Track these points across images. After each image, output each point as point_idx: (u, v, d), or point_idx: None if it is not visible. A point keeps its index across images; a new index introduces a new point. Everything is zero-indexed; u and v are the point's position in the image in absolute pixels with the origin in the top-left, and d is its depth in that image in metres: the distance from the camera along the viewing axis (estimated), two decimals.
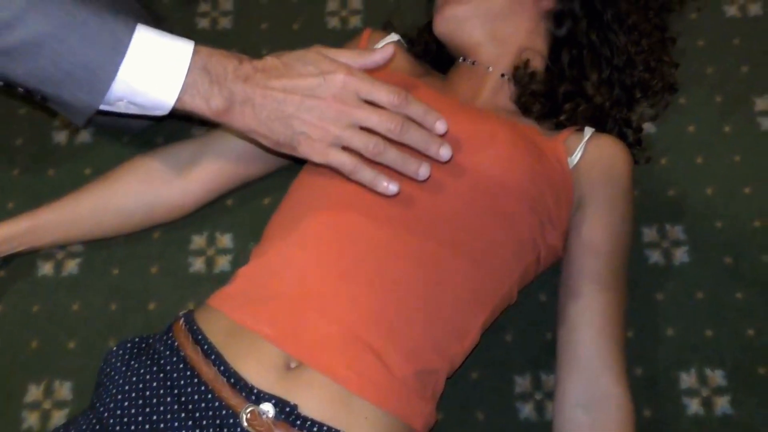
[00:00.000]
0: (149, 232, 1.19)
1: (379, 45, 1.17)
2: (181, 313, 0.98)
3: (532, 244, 1.02)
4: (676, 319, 1.14)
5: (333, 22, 1.38)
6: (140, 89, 0.85)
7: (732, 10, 1.36)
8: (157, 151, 1.17)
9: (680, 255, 1.18)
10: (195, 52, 0.85)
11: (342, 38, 1.35)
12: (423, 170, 0.91)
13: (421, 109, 0.88)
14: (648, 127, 1.25)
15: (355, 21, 1.38)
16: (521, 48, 1.14)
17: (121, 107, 0.88)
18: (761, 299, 1.15)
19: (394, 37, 1.19)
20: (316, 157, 0.88)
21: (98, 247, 1.18)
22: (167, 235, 1.20)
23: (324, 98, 0.85)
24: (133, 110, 0.88)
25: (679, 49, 1.28)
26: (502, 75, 1.13)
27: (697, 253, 1.18)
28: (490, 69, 1.13)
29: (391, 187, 0.90)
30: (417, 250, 0.94)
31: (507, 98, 1.12)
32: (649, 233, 1.20)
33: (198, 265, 1.18)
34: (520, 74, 1.12)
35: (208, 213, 1.20)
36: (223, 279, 1.08)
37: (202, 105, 0.86)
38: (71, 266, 1.18)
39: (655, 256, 1.18)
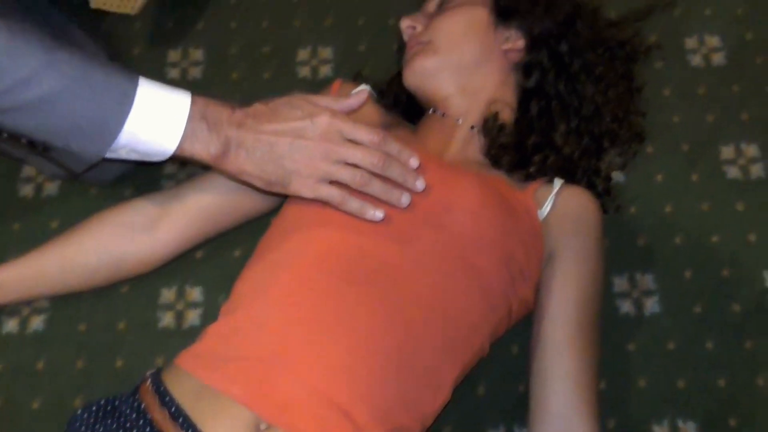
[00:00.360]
0: (117, 286, 1.17)
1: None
2: (148, 373, 0.97)
3: (504, 297, 1.02)
4: (648, 370, 1.14)
5: (303, 72, 1.38)
6: (144, 138, 0.90)
7: (696, 60, 1.38)
8: (125, 204, 1.16)
9: (651, 305, 1.19)
10: (193, 102, 0.92)
11: (312, 87, 1.35)
12: (405, 198, 0.98)
13: (396, 147, 0.97)
14: (617, 176, 1.26)
15: (325, 70, 1.38)
16: (490, 100, 1.14)
17: (122, 154, 0.93)
18: (731, 349, 1.15)
19: (364, 88, 1.19)
20: (307, 192, 0.95)
21: (65, 303, 1.16)
22: (136, 289, 1.18)
23: (312, 138, 0.93)
24: (133, 157, 0.94)
25: (646, 99, 1.29)
26: (472, 127, 1.13)
27: (668, 303, 1.19)
28: (460, 121, 1.14)
29: (377, 213, 0.97)
30: (388, 308, 0.93)
31: (476, 150, 1.13)
32: (620, 283, 1.20)
33: (167, 319, 1.17)
34: (489, 126, 1.12)
35: (178, 266, 1.19)
36: (193, 334, 1.07)
37: (201, 151, 0.92)
38: (37, 322, 1.16)
39: (626, 306, 1.19)
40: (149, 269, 1.17)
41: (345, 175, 0.95)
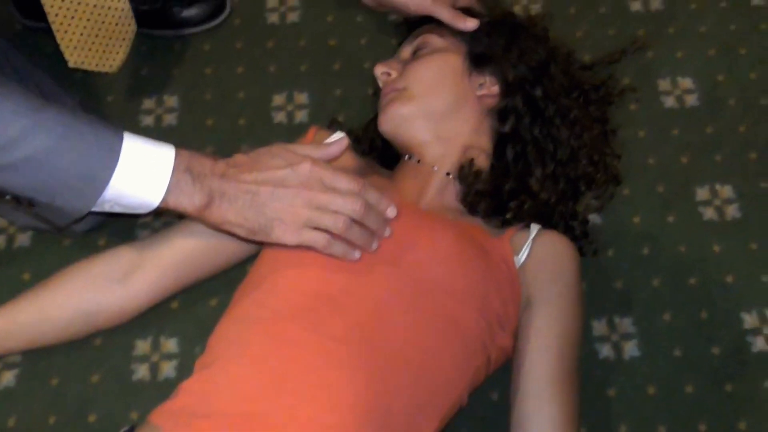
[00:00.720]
0: (91, 338, 1.15)
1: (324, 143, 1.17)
2: (122, 431, 0.94)
3: (481, 347, 1.01)
4: (629, 416, 1.13)
5: (279, 117, 1.38)
6: (129, 192, 0.91)
7: (670, 102, 1.39)
8: (98, 256, 1.14)
9: (630, 348, 1.18)
10: (177, 155, 0.93)
11: (288, 133, 1.35)
12: (375, 244, 1.00)
13: (375, 196, 0.99)
14: (594, 219, 1.26)
15: (301, 116, 1.38)
16: (466, 146, 1.14)
17: (106, 208, 0.94)
18: (712, 393, 1.14)
19: (339, 134, 1.19)
20: (290, 239, 0.96)
21: (37, 357, 1.14)
22: (109, 340, 1.16)
23: (293, 186, 0.94)
24: (117, 210, 0.94)
25: (621, 141, 1.30)
26: (447, 174, 1.13)
27: (647, 346, 1.18)
28: (435, 168, 1.13)
29: (356, 254, 0.99)
30: (363, 364, 0.92)
31: (452, 197, 1.13)
32: (599, 326, 1.20)
33: (142, 372, 1.15)
34: (465, 174, 1.12)
35: (153, 316, 1.17)
36: (169, 386, 1.05)
37: (185, 203, 0.93)
38: (8, 378, 1.13)
39: (605, 350, 1.18)
40: (124, 321, 1.15)
41: (327, 221, 0.96)
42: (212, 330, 1.02)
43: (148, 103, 1.38)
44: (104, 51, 1.26)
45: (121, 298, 1.12)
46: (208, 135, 1.36)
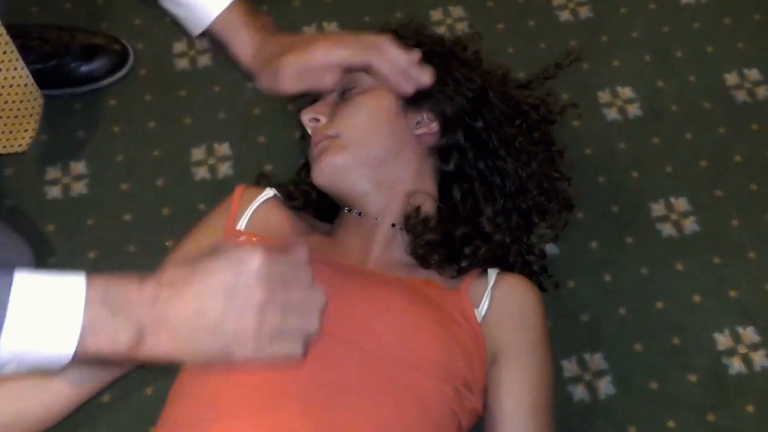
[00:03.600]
0: None
1: (253, 205, 1.06)
2: None
3: (450, 416, 0.92)
4: None
5: (201, 173, 1.26)
6: (30, 348, 0.69)
7: (612, 114, 1.33)
8: None
9: (605, 386, 1.11)
10: (89, 285, 0.71)
11: (213, 189, 1.24)
12: None
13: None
14: (550, 249, 1.19)
15: (224, 169, 1.27)
16: (409, 192, 1.05)
17: (9, 371, 0.71)
18: (694, 425, 1.09)
19: (269, 192, 1.08)
20: (260, 355, 0.75)
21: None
22: None
23: (249, 289, 0.73)
24: (24, 371, 0.71)
25: (569, 161, 1.22)
26: (393, 225, 1.04)
27: (622, 382, 1.11)
28: (378, 219, 1.04)
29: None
30: None
31: (401, 251, 1.03)
32: (570, 366, 1.13)
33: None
34: (412, 223, 1.03)
35: (83, 415, 1.04)
36: None
37: (107, 344, 0.70)
38: None
39: (579, 392, 1.11)
40: (51, 424, 1.02)
41: (300, 323, 0.76)
42: (152, 421, 0.92)
43: (52, 173, 1.25)
44: (11, 131, 1.12)
45: (44, 401, 0.99)
46: (124, 201, 1.24)
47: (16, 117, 1.12)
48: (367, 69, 1.03)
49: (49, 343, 0.68)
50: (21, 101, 1.12)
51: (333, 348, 0.89)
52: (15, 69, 1.10)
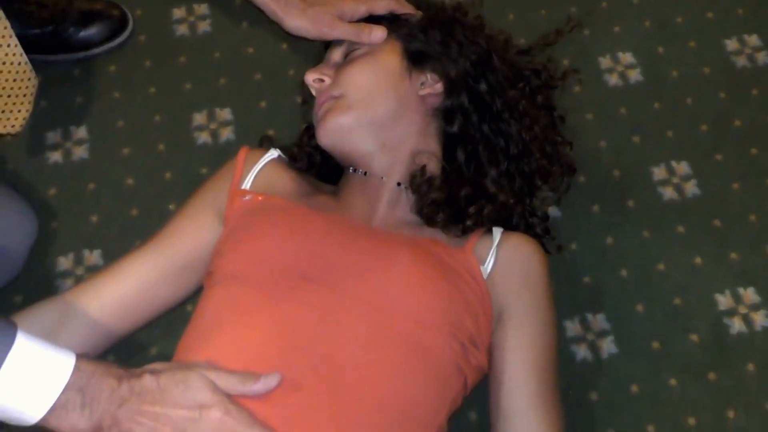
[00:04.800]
0: None
1: (258, 165, 1.06)
2: None
3: (457, 371, 0.93)
4: (615, 420, 1.07)
5: (203, 137, 1.26)
6: (4, 403, 0.76)
7: (613, 79, 1.33)
8: (18, 315, 1.01)
9: (607, 346, 1.12)
10: (75, 370, 0.79)
11: (215, 154, 1.24)
12: None
13: None
14: (553, 213, 1.20)
15: (226, 133, 1.27)
16: (414, 152, 1.05)
17: None
18: (695, 384, 1.10)
19: (273, 153, 1.08)
20: None
21: None
22: None
23: None
24: None
25: (571, 126, 1.23)
26: (398, 184, 1.04)
27: (624, 342, 1.12)
28: (384, 179, 1.04)
29: None
30: (334, 413, 0.83)
31: (407, 209, 1.03)
32: (572, 327, 1.13)
33: None
34: (417, 182, 1.03)
35: None
36: None
37: (65, 427, 0.79)
38: None
39: (582, 352, 1.12)
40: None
41: None
42: None
43: (53, 137, 1.24)
44: (3, 111, 1.11)
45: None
46: (126, 166, 1.23)
47: (9, 97, 1.11)
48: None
49: (21, 407, 0.76)
50: (15, 80, 1.11)
51: (340, 303, 0.90)
52: (8, 46, 1.09)
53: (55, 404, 0.77)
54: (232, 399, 0.81)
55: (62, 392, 0.77)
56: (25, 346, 0.77)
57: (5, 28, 1.06)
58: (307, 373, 0.85)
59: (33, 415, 0.77)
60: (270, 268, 0.93)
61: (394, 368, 0.88)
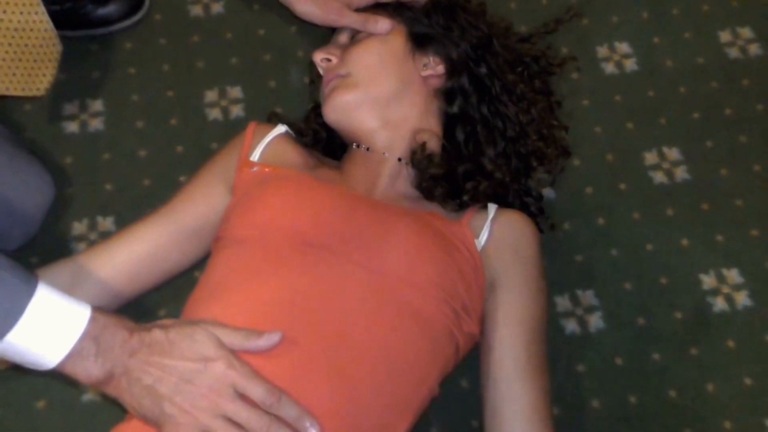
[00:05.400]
0: None
1: (266, 139, 1.11)
2: None
3: (449, 336, 0.99)
4: (600, 390, 1.12)
5: (214, 113, 1.31)
6: (24, 350, 0.82)
7: (610, 68, 1.38)
8: None
9: (595, 321, 1.17)
10: (91, 320, 0.84)
11: (225, 130, 1.29)
12: None
13: (294, 412, 0.86)
14: (547, 193, 1.25)
15: (236, 110, 1.32)
16: (415, 130, 1.10)
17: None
18: (678, 358, 1.15)
19: (281, 128, 1.13)
20: None
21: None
22: None
23: (200, 386, 0.85)
24: (11, 359, 0.84)
25: (567, 111, 1.28)
26: (399, 160, 1.09)
27: (611, 318, 1.17)
28: (386, 155, 1.09)
29: None
30: (329, 369, 0.89)
31: (407, 184, 1.09)
32: (562, 302, 1.18)
33: (92, 393, 1.08)
34: (417, 158, 1.08)
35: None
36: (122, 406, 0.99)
37: (80, 373, 0.84)
38: None
39: (570, 326, 1.17)
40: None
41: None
42: None
43: (70, 109, 1.30)
44: (29, 74, 1.16)
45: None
46: (139, 138, 1.28)
47: (35, 61, 1.17)
48: None
49: (40, 352, 0.82)
50: (41, 46, 1.16)
51: (341, 267, 0.95)
52: (36, 14, 1.14)
53: (71, 351, 0.82)
54: (236, 354, 0.87)
55: (78, 340, 0.82)
56: (45, 295, 0.83)
57: None
58: (307, 330, 0.90)
59: (51, 359, 0.82)
60: (275, 233, 0.98)
61: (389, 328, 0.94)
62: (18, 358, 0.83)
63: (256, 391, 0.85)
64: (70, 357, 0.83)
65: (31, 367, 0.84)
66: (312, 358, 0.89)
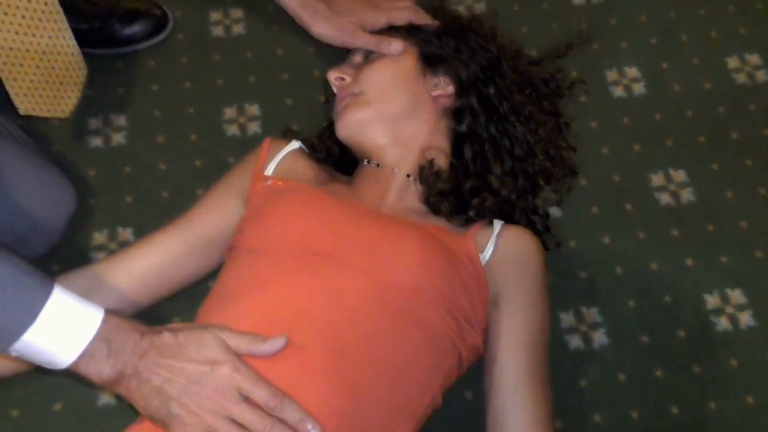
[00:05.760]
0: None
1: (280, 154, 1.15)
2: None
3: (452, 346, 1.01)
4: (602, 404, 1.14)
5: (232, 130, 1.36)
6: (40, 350, 0.86)
7: (618, 91, 1.41)
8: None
9: (599, 337, 1.19)
10: (104, 322, 0.88)
11: (242, 145, 1.33)
12: None
13: (297, 415, 0.89)
14: (554, 212, 1.27)
15: (254, 127, 1.36)
16: (424, 147, 1.14)
17: (11, 354, 0.88)
18: (681, 375, 1.16)
19: (294, 144, 1.17)
20: None
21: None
22: None
23: (206, 388, 0.89)
24: (22, 359, 0.89)
25: (575, 133, 1.31)
26: (408, 176, 1.13)
27: (615, 334, 1.19)
28: (395, 170, 1.13)
29: None
30: (332, 373, 0.92)
31: (415, 199, 1.12)
32: (567, 318, 1.21)
33: (107, 396, 1.12)
34: (425, 174, 1.12)
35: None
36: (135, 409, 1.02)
37: (93, 373, 0.88)
38: None
39: (574, 341, 1.19)
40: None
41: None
42: None
43: (94, 123, 1.35)
44: (55, 97, 1.21)
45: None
46: (160, 152, 1.33)
47: (61, 84, 1.22)
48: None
49: (54, 351, 0.86)
50: (67, 69, 1.21)
51: (347, 275, 0.98)
52: (63, 38, 1.19)
53: (84, 351, 0.86)
54: (242, 357, 0.90)
55: (91, 341, 0.86)
56: (61, 298, 0.87)
57: (62, 21, 1.17)
58: (313, 335, 0.94)
59: (65, 359, 0.86)
60: (285, 242, 1.02)
61: (393, 335, 0.97)
62: (34, 357, 0.87)
63: (260, 393, 0.88)
64: (83, 357, 0.87)
65: (46, 366, 0.88)
66: (317, 362, 0.92)
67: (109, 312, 0.89)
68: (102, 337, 0.87)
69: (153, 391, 0.88)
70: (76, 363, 0.87)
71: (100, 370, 0.88)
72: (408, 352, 0.97)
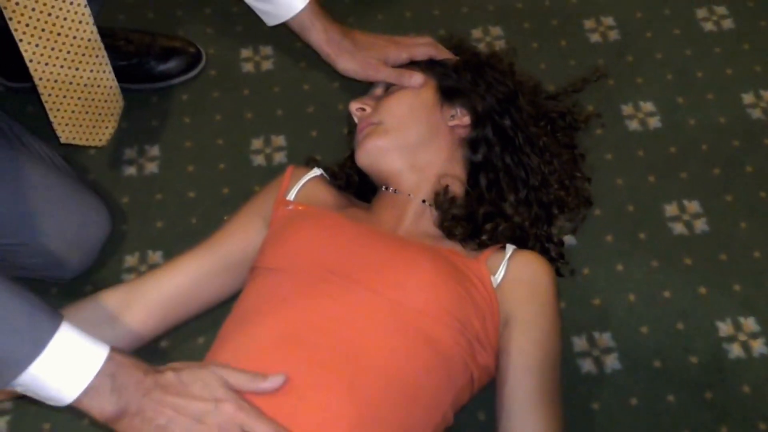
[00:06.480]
0: None
1: (302, 181, 1.21)
2: None
3: (463, 366, 1.04)
4: (613, 428, 1.16)
5: (258, 160, 1.42)
6: (44, 384, 0.87)
7: (633, 125, 1.45)
8: (86, 299, 1.16)
9: (611, 362, 1.21)
10: (108, 359, 0.90)
11: (267, 174, 1.39)
12: None
13: None
14: (569, 240, 1.30)
15: (279, 157, 1.42)
16: (440, 175, 1.19)
17: (17, 389, 0.89)
18: (692, 401, 1.17)
19: (316, 171, 1.23)
20: None
21: (28, 402, 1.15)
22: None
23: (210, 426, 0.90)
24: (26, 393, 0.90)
25: (590, 164, 1.35)
26: (423, 201, 1.17)
27: (628, 359, 1.21)
28: (411, 196, 1.17)
29: None
30: (345, 390, 0.95)
31: (430, 223, 1.16)
32: (579, 342, 1.23)
33: None
34: (440, 200, 1.16)
35: (142, 355, 1.15)
36: None
37: (95, 409, 0.89)
38: (0, 425, 1.14)
39: (587, 365, 1.21)
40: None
41: None
42: None
43: (129, 153, 1.42)
44: (94, 127, 1.29)
45: (110, 340, 1.13)
46: (190, 181, 1.39)
47: (99, 115, 1.29)
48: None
49: (58, 388, 0.87)
50: (106, 101, 1.28)
51: (361, 295, 1.02)
52: (104, 72, 1.26)
53: (88, 386, 0.88)
54: (242, 395, 0.92)
55: (95, 376, 0.88)
56: (67, 333, 0.89)
57: (103, 57, 1.25)
58: (328, 351, 0.97)
59: (69, 394, 0.87)
60: (303, 263, 1.06)
61: (405, 353, 0.99)
62: (39, 392, 0.88)
63: (263, 430, 0.91)
64: (86, 392, 0.88)
65: (50, 402, 0.89)
66: (329, 376, 0.95)
67: (114, 349, 0.91)
68: (106, 372, 0.89)
69: (158, 430, 0.90)
70: (79, 398, 0.88)
71: (103, 407, 0.89)
72: (420, 370, 1.00)
